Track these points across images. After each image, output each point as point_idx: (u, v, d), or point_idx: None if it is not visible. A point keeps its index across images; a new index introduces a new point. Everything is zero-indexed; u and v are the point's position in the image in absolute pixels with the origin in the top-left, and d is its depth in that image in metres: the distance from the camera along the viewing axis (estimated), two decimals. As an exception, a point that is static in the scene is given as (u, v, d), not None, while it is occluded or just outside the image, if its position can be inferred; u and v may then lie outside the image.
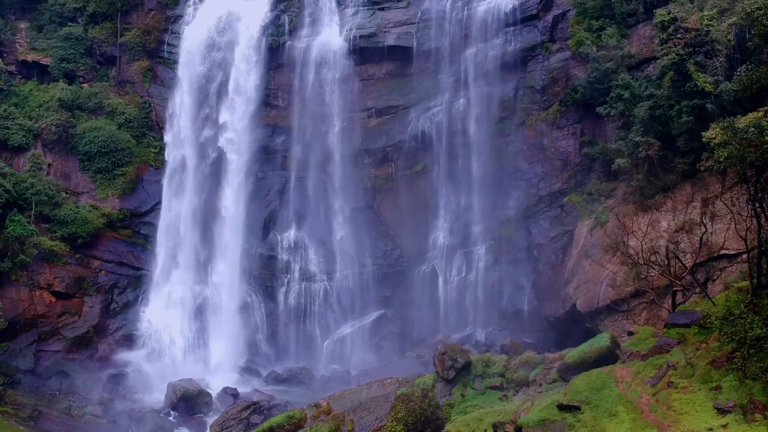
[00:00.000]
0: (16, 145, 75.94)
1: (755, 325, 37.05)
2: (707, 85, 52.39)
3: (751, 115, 38.49)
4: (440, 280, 75.52)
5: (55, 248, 71.35)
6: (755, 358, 36.30)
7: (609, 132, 69.63)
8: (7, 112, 76.71)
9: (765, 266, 40.66)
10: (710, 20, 53.74)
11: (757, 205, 38.67)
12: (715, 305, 44.02)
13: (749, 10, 44.82)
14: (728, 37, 54.04)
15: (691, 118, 54.10)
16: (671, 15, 54.70)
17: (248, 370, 73.28)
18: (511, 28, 76.03)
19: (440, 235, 76.62)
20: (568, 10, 74.61)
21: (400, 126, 78.77)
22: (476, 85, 76.65)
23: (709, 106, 52.85)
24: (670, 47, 53.78)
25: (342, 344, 74.97)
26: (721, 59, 53.28)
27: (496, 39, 76.30)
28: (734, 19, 54.29)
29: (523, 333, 72.02)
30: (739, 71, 39.26)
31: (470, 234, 75.62)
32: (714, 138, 40.82)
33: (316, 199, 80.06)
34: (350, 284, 77.32)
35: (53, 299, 70.39)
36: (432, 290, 75.65)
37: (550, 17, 75.31)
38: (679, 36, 53.74)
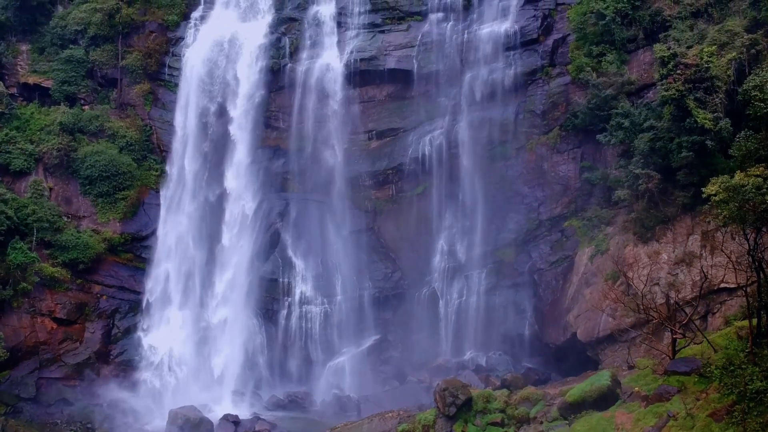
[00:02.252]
0: (17, 169, 76.08)
1: (755, 378, 37.24)
2: (707, 121, 52.62)
3: (751, 172, 38.62)
4: (441, 303, 75.69)
5: (56, 274, 71.53)
6: (755, 413, 36.44)
7: (609, 158, 69.89)
8: (9, 136, 76.87)
9: (765, 317, 40.84)
10: (710, 56, 53.91)
11: (757, 261, 38.83)
12: (715, 351, 44.19)
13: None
14: (728, 72, 54.30)
15: (691, 153, 54.34)
16: (671, 51, 54.93)
17: (249, 394, 73.39)
18: (512, 52, 76.20)
19: (441, 258, 76.73)
20: (568, 35, 74.88)
21: (401, 149, 78.90)
22: (476, 108, 76.83)
23: (708, 142, 53.08)
24: (670, 83, 53.98)
25: (343, 368, 75.04)
26: (720, 96, 53.51)
27: (496, 63, 76.46)
28: (734, 54, 54.48)
29: (524, 357, 72.51)
30: (739, 138, 39.47)
31: (471, 257, 75.76)
32: (715, 195, 40.94)
33: (316, 222, 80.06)
34: (351, 307, 77.33)
35: (54, 326, 70.58)
36: (433, 313, 75.78)
37: (550, 42, 75.56)
38: (678, 72, 53.96)
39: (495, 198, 75.60)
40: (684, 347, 44.43)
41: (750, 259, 39.20)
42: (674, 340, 43.64)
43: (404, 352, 75.85)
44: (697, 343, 46.35)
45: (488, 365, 72.11)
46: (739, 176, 38.21)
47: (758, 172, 37.36)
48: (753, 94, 38.95)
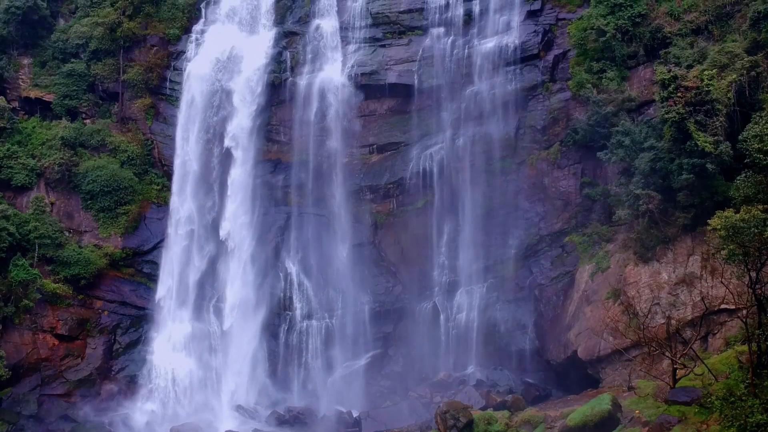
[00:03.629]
0: (19, 184, 76.35)
1: (756, 410, 37.31)
2: (707, 145, 52.79)
3: (754, 211, 38.71)
4: (442, 317, 75.77)
5: (58, 290, 71.77)
6: (756, 446, 36.58)
7: (610, 174, 69.97)
8: (11, 151, 77.08)
9: (765, 348, 41.02)
10: (710, 80, 54.07)
11: (760, 295, 39.01)
12: (716, 378, 44.38)
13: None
14: (728, 95, 54.47)
15: (691, 175, 54.49)
16: (672, 73, 55.07)
17: (250, 410, 73.50)
18: (512, 67, 76.22)
19: (441, 272, 76.80)
20: (569, 50, 74.93)
21: (402, 163, 79.00)
22: (477, 123, 76.90)
23: (709, 166, 53.26)
24: (671, 106, 54.14)
25: (344, 383, 75.23)
26: (721, 119, 53.68)
27: (497, 78, 76.54)
28: (734, 76, 54.66)
29: (524, 373, 72.59)
30: (738, 180, 39.63)
31: (472, 272, 75.85)
32: (719, 230, 41.09)
33: (317, 235, 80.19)
34: (352, 321, 77.45)
35: (56, 342, 70.80)
36: (433, 327, 75.80)
37: (550, 57, 75.62)
38: (679, 94, 54.10)
39: (496, 213, 75.72)
40: (684, 376, 44.59)
41: (751, 292, 39.33)
42: (674, 370, 43.80)
43: (405, 366, 75.91)
44: (698, 374, 46.48)
45: (489, 380, 72.12)
46: (741, 213, 38.32)
47: (760, 209, 37.46)
48: (752, 145, 39.00)
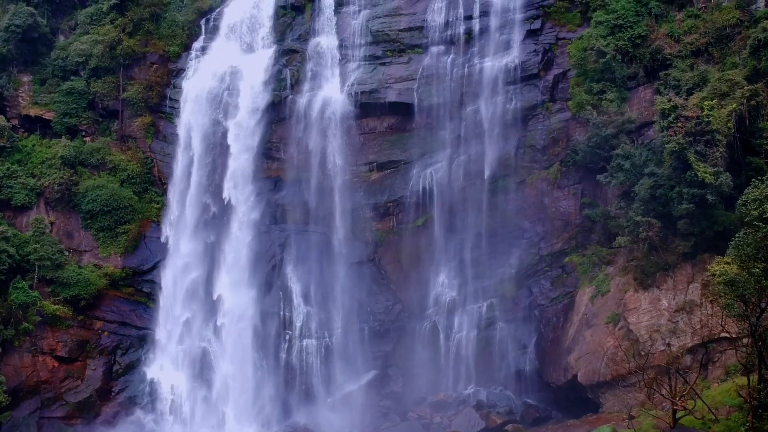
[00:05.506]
0: (19, 204, 76.37)
1: (756, 456, 37.43)
2: (708, 176, 52.78)
3: (753, 269, 38.51)
4: (441, 337, 75.76)
5: (57, 312, 71.78)
6: (755, 492, 36.59)
7: (610, 195, 70.00)
8: (11, 170, 77.11)
9: (763, 388, 40.99)
10: (710, 110, 54.00)
11: (758, 344, 39.01)
12: (716, 418, 44.37)
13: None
14: (728, 125, 54.42)
15: (691, 205, 54.48)
16: (672, 103, 55.01)
17: (250, 430, 73.55)
18: (512, 87, 76.14)
19: (441, 291, 76.84)
20: (569, 70, 74.87)
21: (402, 181, 78.95)
22: (477, 142, 76.88)
23: (709, 197, 53.23)
24: (671, 135, 54.10)
25: (343, 403, 75.15)
26: (721, 149, 53.63)
27: (496, 97, 76.49)
28: (734, 105, 54.60)
29: (525, 393, 72.64)
30: (737, 238, 39.58)
31: (472, 291, 75.85)
32: (717, 277, 41.04)
33: (317, 253, 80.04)
34: (352, 340, 77.38)
35: (56, 364, 70.77)
36: (433, 347, 75.78)
37: (550, 77, 75.55)
38: (679, 124, 54.05)
39: (496, 232, 75.69)
40: (684, 416, 44.59)
41: (751, 339, 39.33)
42: (674, 411, 43.81)
43: (405, 386, 75.85)
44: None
45: (489, 401, 72.19)
46: (741, 270, 38.27)
47: (760, 267, 37.42)
48: (752, 211, 38.91)
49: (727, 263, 40.68)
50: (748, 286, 37.50)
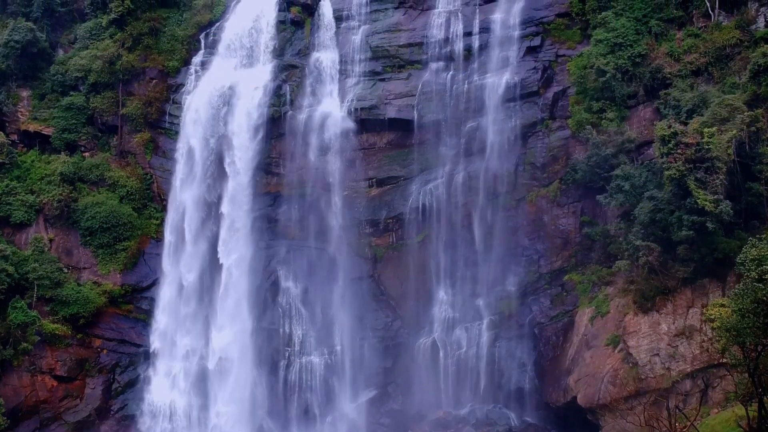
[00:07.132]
0: (18, 221, 76.30)
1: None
2: (708, 203, 52.67)
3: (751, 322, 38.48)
4: (441, 354, 75.60)
5: (57, 331, 71.80)
6: None
7: (609, 213, 69.84)
8: (9, 187, 77.08)
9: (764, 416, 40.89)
10: (710, 137, 53.89)
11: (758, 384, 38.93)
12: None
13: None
14: (728, 151, 54.30)
15: (691, 232, 54.40)
16: (672, 129, 54.90)
17: (250, 448, 73.71)
18: (512, 104, 75.97)
19: (441, 308, 76.66)
20: (568, 87, 74.73)
21: (401, 198, 78.83)
22: (477, 158, 76.77)
23: (709, 224, 53.15)
24: (671, 162, 53.98)
25: (343, 421, 75.19)
26: (721, 176, 53.52)
27: (496, 114, 76.29)
28: (734, 132, 54.48)
29: (524, 412, 72.56)
30: (737, 290, 39.47)
31: (471, 308, 75.69)
32: (713, 322, 40.98)
33: (316, 269, 79.94)
34: (351, 357, 77.27)
35: (55, 383, 70.74)
36: (433, 364, 75.58)
37: (550, 94, 75.37)
38: (679, 151, 53.94)
39: (495, 249, 75.49)
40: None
41: (750, 379, 39.26)
42: (673, 444, 43.85)
43: (404, 404, 75.72)
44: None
45: (488, 419, 72.12)
46: (735, 318, 38.22)
47: (760, 321, 37.31)
48: (750, 271, 38.72)
49: (722, 305, 40.59)
50: (747, 333, 37.40)
